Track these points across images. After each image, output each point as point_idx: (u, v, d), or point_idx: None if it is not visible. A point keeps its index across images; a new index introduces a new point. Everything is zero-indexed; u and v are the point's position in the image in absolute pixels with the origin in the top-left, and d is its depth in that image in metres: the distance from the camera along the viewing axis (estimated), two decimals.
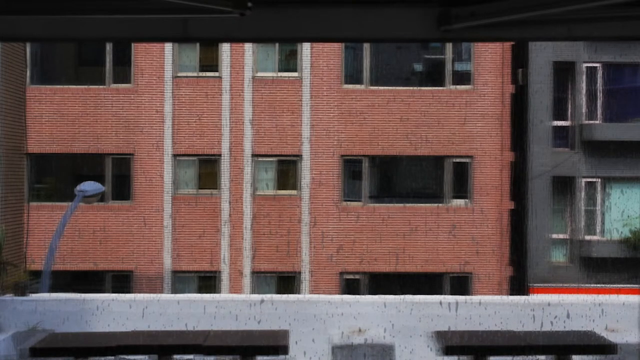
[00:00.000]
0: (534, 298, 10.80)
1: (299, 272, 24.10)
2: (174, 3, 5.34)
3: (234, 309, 8.89)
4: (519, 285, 24.25)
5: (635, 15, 5.75)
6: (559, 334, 7.95)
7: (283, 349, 6.97)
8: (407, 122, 24.21)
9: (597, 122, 25.56)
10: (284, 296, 9.74)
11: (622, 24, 5.95)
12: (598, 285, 23.79)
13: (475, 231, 24.15)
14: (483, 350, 7.12)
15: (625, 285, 22.81)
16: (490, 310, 8.97)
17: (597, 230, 25.61)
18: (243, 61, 24.17)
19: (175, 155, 24.17)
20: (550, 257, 25.21)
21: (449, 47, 24.18)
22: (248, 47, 23.82)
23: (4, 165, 22.24)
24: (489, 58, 24.32)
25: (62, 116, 23.95)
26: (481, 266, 24.14)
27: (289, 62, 24.58)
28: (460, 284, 24.05)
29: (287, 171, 24.47)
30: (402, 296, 9.30)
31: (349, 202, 24.36)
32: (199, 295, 11.54)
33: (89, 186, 19.07)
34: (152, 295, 10.04)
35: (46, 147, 23.87)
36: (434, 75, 24.91)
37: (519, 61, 24.69)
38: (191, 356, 7.56)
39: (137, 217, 23.99)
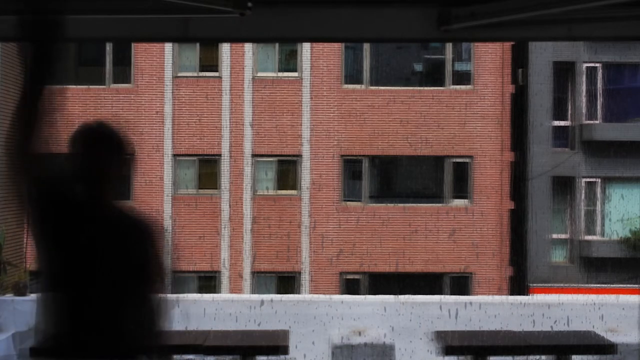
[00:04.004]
0: (534, 298, 10.80)
1: (299, 272, 24.10)
2: (174, 3, 5.33)
3: (234, 310, 8.90)
4: (519, 285, 24.25)
5: (635, 15, 5.74)
6: (559, 334, 7.95)
7: (283, 349, 6.97)
8: (407, 123, 24.21)
9: (597, 122, 25.57)
10: (284, 296, 9.74)
11: (622, 24, 5.95)
12: (598, 285, 23.79)
13: (475, 231, 24.15)
14: (483, 351, 7.12)
15: (625, 285, 22.81)
16: (490, 311, 8.97)
17: (597, 231, 25.61)
18: (243, 61, 24.17)
19: (175, 156, 24.17)
20: (550, 257, 25.21)
21: (449, 47, 24.18)
22: (248, 47, 23.81)
23: (4, 165, 22.20)
24: (489, 58, 24.32)
25: (62, 116, 23.89)
26: (481, 266, 24.14)
27: (289, 62, 24.58)
28: (461, 285, 24.05)
29: (287, 171, 24.46)
30: (402, 296, 9.30)
31: (349, 202, 24.35)
32: (199, 295, 11.54)
33: None
34: None
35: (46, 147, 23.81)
36: (434, 76, 24.91)
37: (519, 61, 24.69)
38: (191, 356, 7.55)
39: None
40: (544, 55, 24.75)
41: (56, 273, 3.73)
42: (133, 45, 23.58)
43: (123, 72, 24.28)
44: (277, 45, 23.97)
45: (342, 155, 24.34)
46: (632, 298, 9.64)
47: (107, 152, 3.75)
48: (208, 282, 23.88)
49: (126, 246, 3.78)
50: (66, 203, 3.74)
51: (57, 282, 3.74)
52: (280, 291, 23.81)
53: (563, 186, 25.53)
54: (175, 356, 7.37)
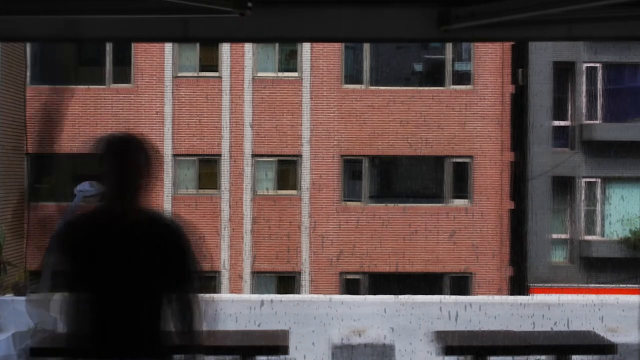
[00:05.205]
0: (534, 299, 10.81)
1: (299, 273, 24.10)
2: (174, 3, 5.33)
3: (234, 310, 8.90)
4: (519, 285, 24.25)
5: (635, 15, 5.74)
6: (559, 334, 7.95)
7: (283, 350, 6.96)
8: (407, 123, 24.21)
9: (597, 122, 25.57)
10: (284, 297, 9.74)
11: (622, 24, 5.94)
12: (598, 285, 23.79)
13: (475, 232, 24.15)
14: (483, 351, 7.11)
15: (625, 285, 22.82)
16: (490, 311, 8.97)
17: (597, 230, 25.61)
18: (243, 61, 24.16)
19: (175, 156, 24.16)
20: (550, 257, 25.21)
21: (449, 47, 24.18)
22: (248, 47, 23.81)
23: (4, 165, 22.25)
24: (489, 58, 24.32)
25: (63, 116, 23.92)
26: (481, 267, 24.13)
27: (289, 62, 24.58)
28: (461, 285, 24.05)
29: (287, 172, 24.46)
30: (402, 297, 9.30)
31: (349, 203, 24.35)
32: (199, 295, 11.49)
33: (88, 186, 19.06)
34: None
35: (46, 147, 23.86)
36: (434, 76, 24.91)
37: (519, 61, 24.69)
38: (191, 356, 7.54)
39: None
40: (544, 55, 24.75)
41: (91, 282, 3.89)
42: (133, 45, 23.58)
43: (123, 72, 24.27)
44: (277, 45, 23.97)
45: (342, 156, 24.34)
46: (632, 298, 9.64)
47: (137, 161, 3.84)
48: (208, 283, 23.88)
49: (159, 250, 3.88)
50: (86, 247, 3.92)
51: (92, 288, 3.89)
52: (280, 291, 23.81)
53: (563, 186, 25.53)
54: (175, 356, 7.36)
